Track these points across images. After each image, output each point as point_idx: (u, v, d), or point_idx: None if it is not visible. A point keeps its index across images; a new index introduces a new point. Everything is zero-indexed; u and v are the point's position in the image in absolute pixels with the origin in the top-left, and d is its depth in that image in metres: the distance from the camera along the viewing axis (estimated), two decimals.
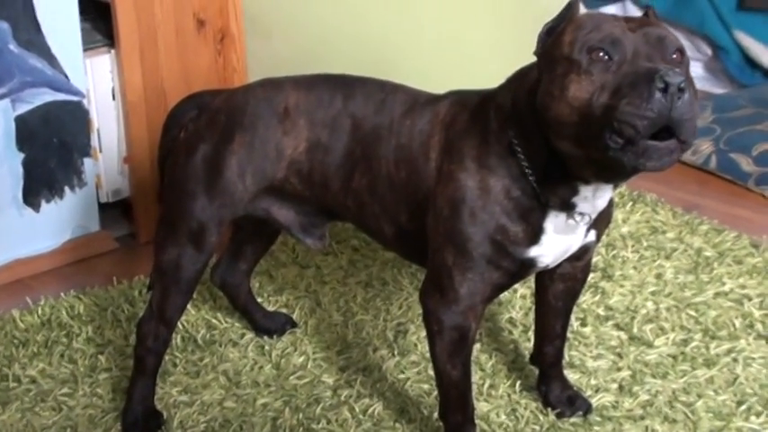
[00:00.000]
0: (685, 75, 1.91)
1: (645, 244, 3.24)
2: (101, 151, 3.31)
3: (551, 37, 1.99)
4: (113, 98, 3.29)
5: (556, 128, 1.95)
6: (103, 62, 3.25)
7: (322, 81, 2.35)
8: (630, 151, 1.86)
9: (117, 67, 3.25)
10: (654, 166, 1.88)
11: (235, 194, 2.33)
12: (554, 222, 2.11)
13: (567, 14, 1.99)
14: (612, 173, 1.99)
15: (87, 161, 3.27)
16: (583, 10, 2.02)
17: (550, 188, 2.06)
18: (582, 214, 2.11)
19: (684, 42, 4.61)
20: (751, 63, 4.57)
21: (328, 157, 2.30)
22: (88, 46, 3.22)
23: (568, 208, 2.09)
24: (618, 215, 3.37)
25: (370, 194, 2.28)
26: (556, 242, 2.14)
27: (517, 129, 2.05)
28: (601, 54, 1.89)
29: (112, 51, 3.25)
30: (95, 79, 3.24)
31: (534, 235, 2.11)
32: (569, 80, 1.91)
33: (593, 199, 2.09)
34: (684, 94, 1.82)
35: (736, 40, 4.55)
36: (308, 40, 3.30)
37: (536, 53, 2.03)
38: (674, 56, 1.93)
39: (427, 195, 2.18)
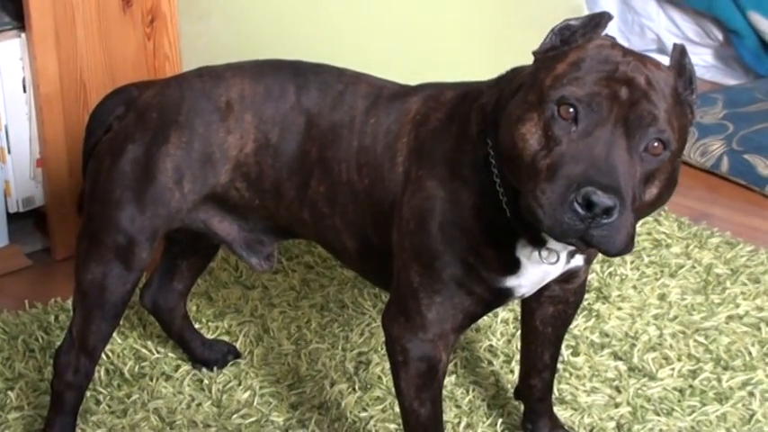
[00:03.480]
0: (649, 174, 1.91)
1: (646, 260, 3.27)
2: (9, 152, 3.33)
3: (557, 46, 1.99)
4: (24, 90, 3.30)
5: (500, 148, 2.00)
6: (12, 48, 3.26)
7: (270, 69, 2.37)
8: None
9: (28, 54, 3.26)
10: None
11: (170, 203, 2.35)
12: (524, 253, 2.14)
13: (591, 34, 1.98)
14: None
15: None
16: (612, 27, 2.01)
17: (522, 217, 2.01)
18: (551, 250, 2.12)
19: (692, 27, 4.67)
20: None
21: (279, 160, 2.31)
22: None
23: (538, 242, 2.11)
24: None
25: (330, 205, 2.29)
26: (533, 271, 2.17)
27: (494, 138, 2.07)
28: (570, 110, 1.90)
29: (23, 35, 3.26)
30: (3, 68, 3.25)
31: (510, 263, 2.14)
32: (529, 117, 1.94)
33: None
34: (611, 219, 1.84)
35: (752, 23, 4.57)
36: (252, 21, 3.32)
37: (535, 53, 2.02)
38: (655, 144, 1.91)
39: (393, 206, 2.20)
